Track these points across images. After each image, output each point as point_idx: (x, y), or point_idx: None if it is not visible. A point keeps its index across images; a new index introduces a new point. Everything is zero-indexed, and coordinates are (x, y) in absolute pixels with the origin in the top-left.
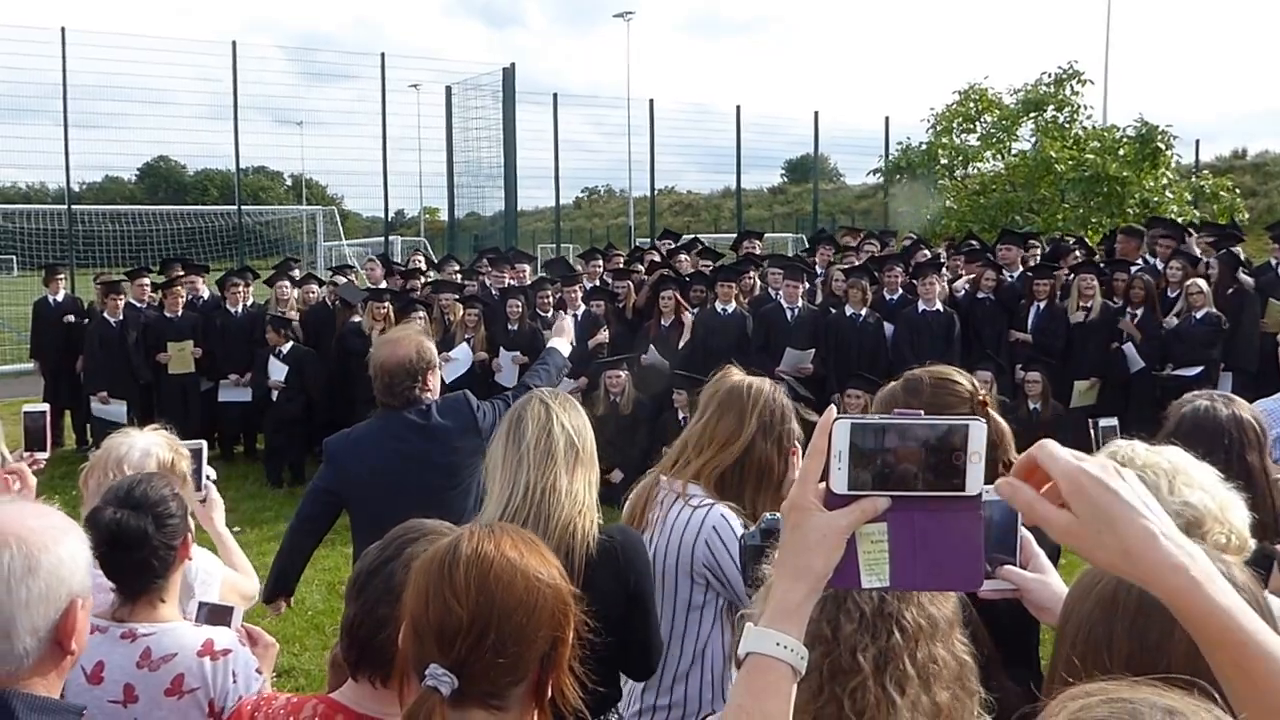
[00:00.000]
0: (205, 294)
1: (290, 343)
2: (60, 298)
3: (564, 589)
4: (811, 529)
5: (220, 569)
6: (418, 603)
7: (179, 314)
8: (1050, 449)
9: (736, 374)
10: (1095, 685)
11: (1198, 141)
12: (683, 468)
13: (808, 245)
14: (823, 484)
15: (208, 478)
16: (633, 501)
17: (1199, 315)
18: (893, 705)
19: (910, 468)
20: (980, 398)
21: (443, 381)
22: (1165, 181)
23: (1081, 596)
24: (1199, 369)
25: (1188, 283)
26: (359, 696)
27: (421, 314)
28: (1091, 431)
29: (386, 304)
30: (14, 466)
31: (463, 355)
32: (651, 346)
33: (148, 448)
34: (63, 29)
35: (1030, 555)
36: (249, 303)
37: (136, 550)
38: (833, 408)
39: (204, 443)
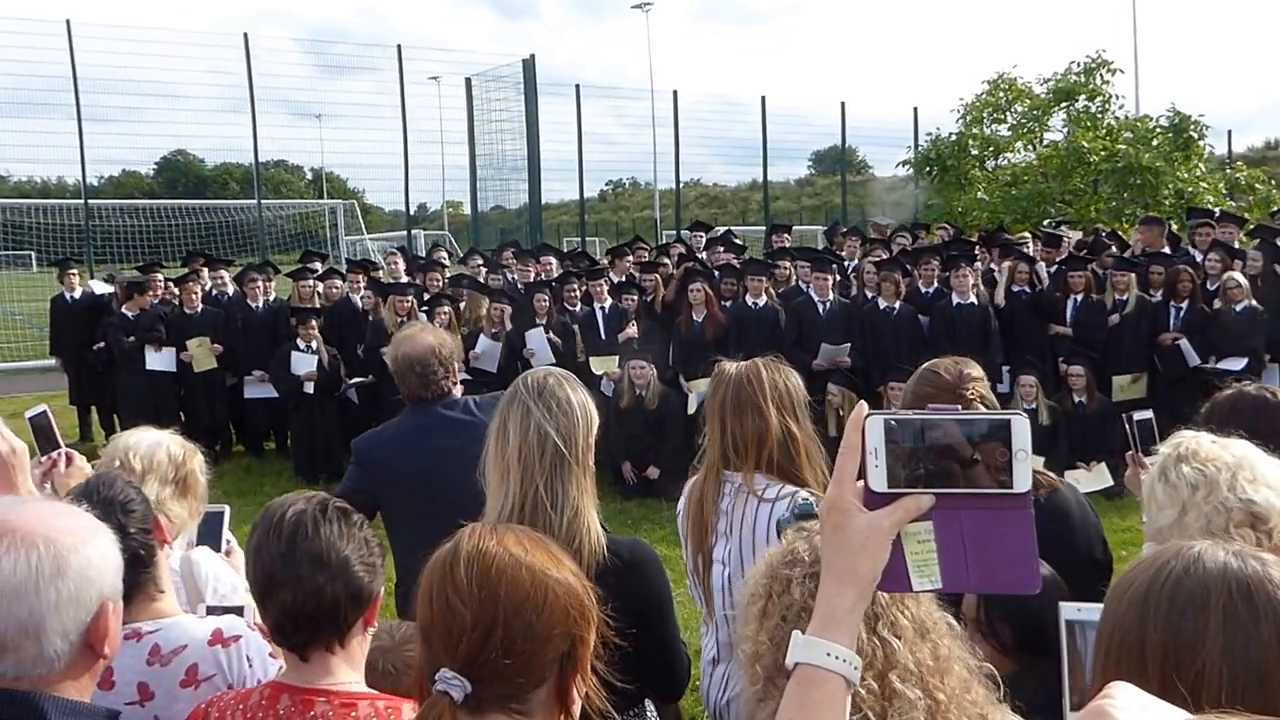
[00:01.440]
0: (230, 289)
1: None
2: (78, 294)
3: (578, 587)
4: (854, 531)
5: (232, 576)
6: (422, 606)
7: (198, 310)
8: None
9: (729, 366)
10: (1204, 718)
11: (1230, 132)
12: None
13: (826, 238)
14: (860, 482)
15: (228, 540)
16: (694, 504)
17: (1238, 308)
18: (889, 647)
19: (952, 464)
20: (963, 389)
21: (480, 373)
22: (1199, 173)
23: (1115, 601)
24: (1244, 361)
25: (1225, 276)
26: (305, 673)
27: (447, 308)
28: (1126, 426)
29: (410, 299)
30: (68, 451)
31: (488, 349)
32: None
33: (159, 439)
34: (68, 22)
35: None
36: (270, 298)
37: (121, 544)
38: (863, 404)
39: (226, 508)
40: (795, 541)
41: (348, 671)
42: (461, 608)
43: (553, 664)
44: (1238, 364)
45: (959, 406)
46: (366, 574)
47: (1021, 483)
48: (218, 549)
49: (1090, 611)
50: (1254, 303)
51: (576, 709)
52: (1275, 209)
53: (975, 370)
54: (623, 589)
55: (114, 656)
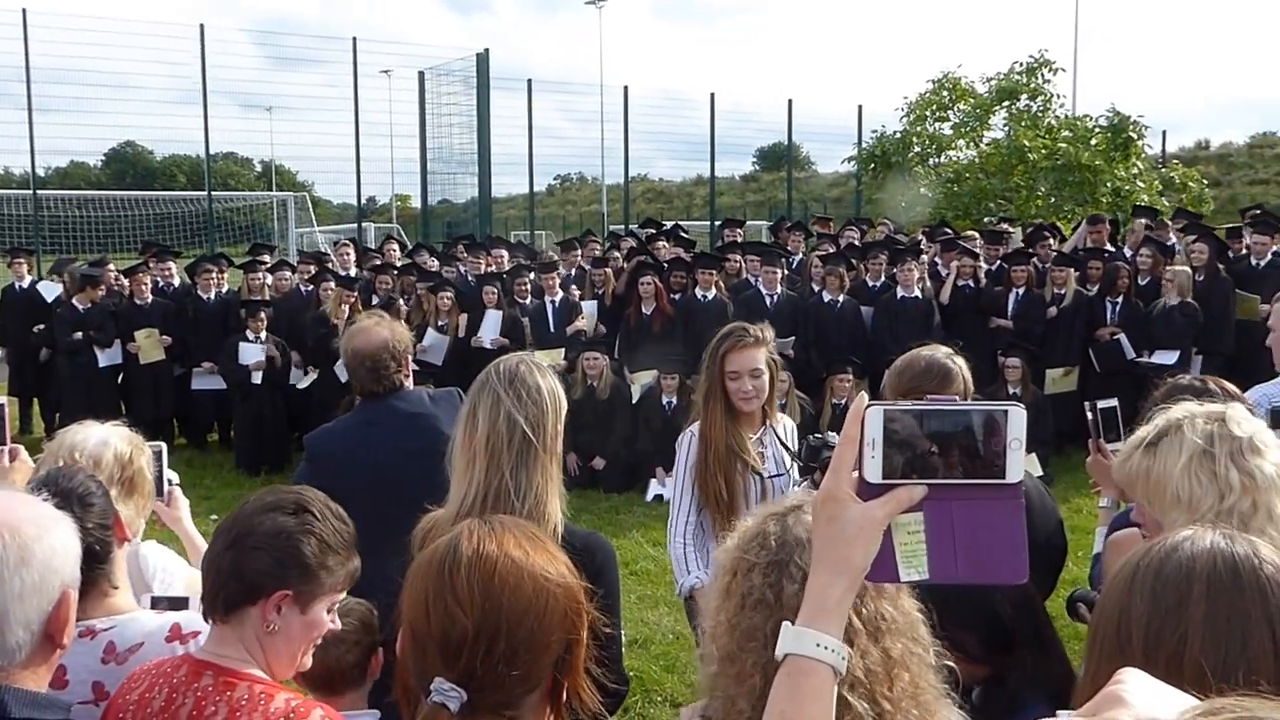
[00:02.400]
0: (176, 281)
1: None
2: (26, 284)
3: (575, 586)
4: (848, 521)
5: (184, 569)
6: (416, 610)
7: (148, 301)
8: None
9: None
10: (1221, 701)
11: (1164, 132)
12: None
13: (771, 233)
14: (855, 473)
15: (170, 481)
16: None
17: (1174, 303)
18: None
19: (947, 455)
20: (947, 390)
21: (426, 367)
22: (1136, 171)
23: (1108, 585)
24: (1176, 355)
25: (1166, 270)
26: (219, 645)
27: (400, 301)
28: (1090, 414)
29: (355, 293)
30: (13, 447)
31: (435, 342)
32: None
33: (105, 437)
34: (24, 11)
35: None
36: (222, 290)
37: None
38: (864, 395)
39: (163, 445)
40: (768, 523)
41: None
42: (463, 618)
43: (548, 668)
44: (1170, 357)
45: (955, 397)
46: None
47: (1014, 473)
48: (160, 490)
49: None
50: (1188, 298)
51: (563, 706)
52: (1245, 207)
53: (958, 370)
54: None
55: (70, 645)
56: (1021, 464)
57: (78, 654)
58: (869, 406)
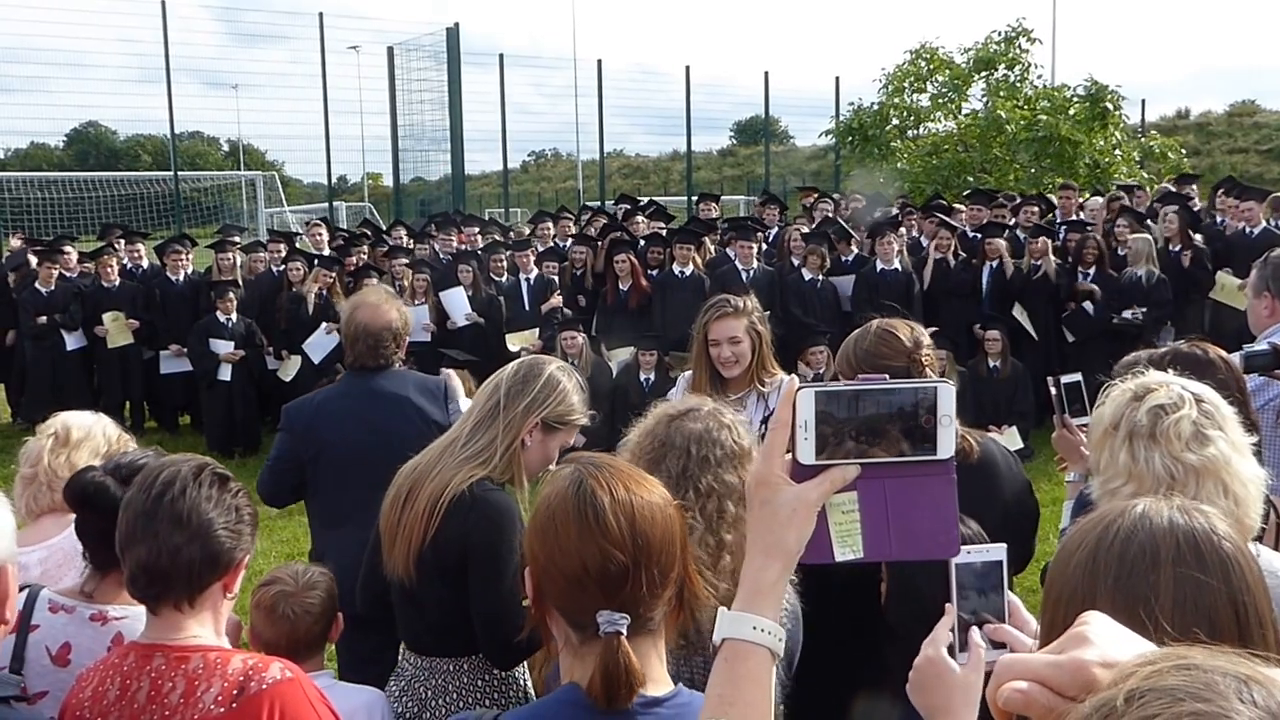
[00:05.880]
0: (145, 263)
1: (235, 312)
2: None
3: (675, 504)
4: (781, 504)
5: None
6: (566, 556)
7: (115, 284)
8: (1019, 667)
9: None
10: (1163, 650)
11: (1143, 101)
12: None
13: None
14: (788, 456)
15: None
16: None
17: (1140, 272)
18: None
19: (878, 434)
20: (918, 355)
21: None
22: (1115, 142)
23: (1063, 562)
24: (1142, 310)
25: (1130, 238)
26: (153, 628)
27: (374, 280)
28: (1053, 389)
29: (333, 272)
30: None
31: (415, 320)
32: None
33: (98, 418)
34: None
35: (1022, 622)
36: (189, 271)
37: (106, 518)
38: (795, 378)
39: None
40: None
41: (195, 628)
42: (621, 556)
43: (678, 579)
44: (1137, 312)
45: (886, 376)
46: (229, 539)
47: (945, 449)
48: None
49: (979, 553)
50: (1153, 268)
51: (685, 605)
52: (1182, 174)
53: (923, 335)
54: (459, 526)
55: (14, 620)
56: (953, 440)
57: (87, 636)
58: (800, 389)
